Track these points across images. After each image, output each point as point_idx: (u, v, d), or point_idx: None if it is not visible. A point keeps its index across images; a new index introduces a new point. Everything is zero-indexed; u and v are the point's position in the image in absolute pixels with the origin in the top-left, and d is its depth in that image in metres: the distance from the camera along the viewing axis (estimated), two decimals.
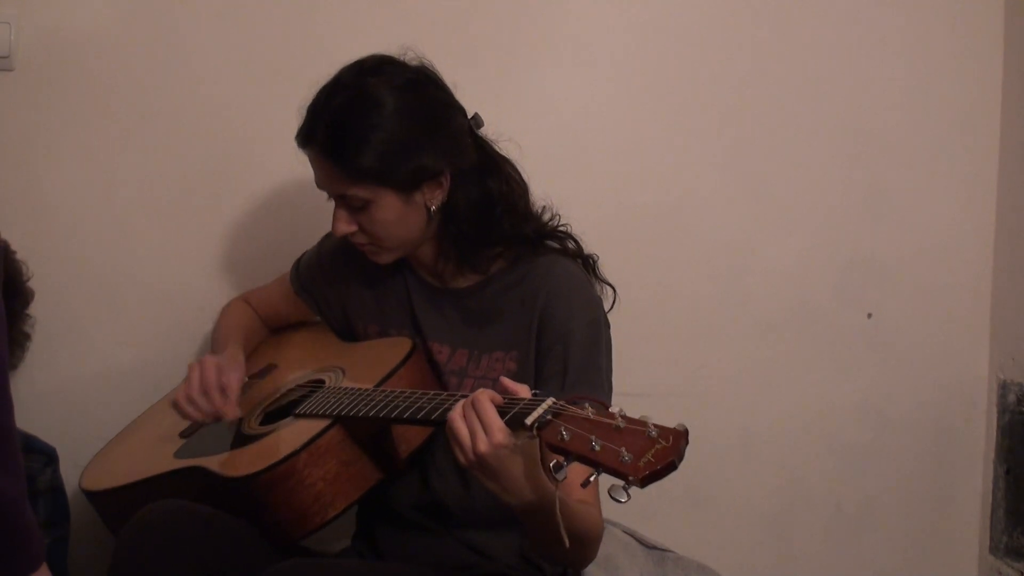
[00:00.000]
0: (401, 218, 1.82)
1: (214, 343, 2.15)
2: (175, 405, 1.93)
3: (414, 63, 1.84)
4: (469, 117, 1.87)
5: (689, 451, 1.38)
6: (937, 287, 2.53)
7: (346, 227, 1.85)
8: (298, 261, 2.12)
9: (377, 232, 1.84)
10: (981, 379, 2.56)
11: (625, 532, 2.13)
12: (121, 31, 2.26)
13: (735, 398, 2.49)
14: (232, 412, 1.89)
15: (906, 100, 2.49)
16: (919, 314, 2.53)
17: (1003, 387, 2.52)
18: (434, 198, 1.82)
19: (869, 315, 2.51)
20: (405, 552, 1.88)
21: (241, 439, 1.85)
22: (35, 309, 2.21)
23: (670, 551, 2.17)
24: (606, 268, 1.95)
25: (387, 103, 1.78)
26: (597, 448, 1.37)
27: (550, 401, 1.48)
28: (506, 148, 1.91)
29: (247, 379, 2.01)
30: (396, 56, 1.84)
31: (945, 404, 2.56)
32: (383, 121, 1.77)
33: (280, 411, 1.90)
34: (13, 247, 2.15)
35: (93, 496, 1.95)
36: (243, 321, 2.15)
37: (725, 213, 2.45)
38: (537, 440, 1.46)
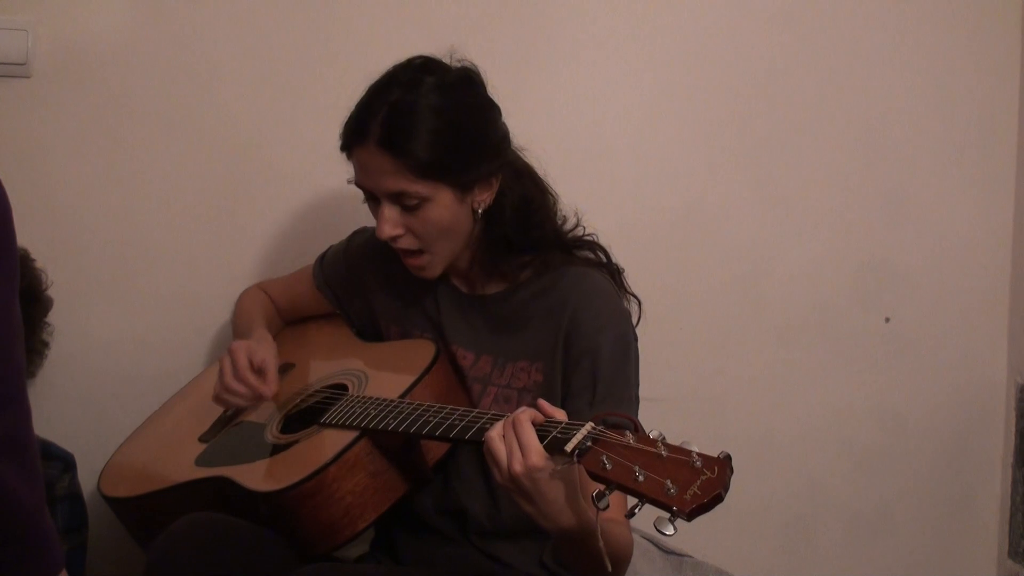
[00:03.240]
0: (453, 220, 1.77)
1: (237, 329, 2.13)
2: (216, 400, 1.91)
3: (459, 63, 1.82)
4: None
5: None
6: (954, 291, 2.52)
7: (393, 229, 1.76)
8: (323, 255, 2.09)
9: (428, 234, 1.77)
10: (999, 383, 2.55)
11: (643, 537, 2.13)
12: (138, 38, 2.26)
13: (753, 402, 2.49)
14: (271, 390, 1.88)
15: (923, 104, 2.48)
16: (936, 318, 2.52)
17: (1021, 391, 2.51)
18: (483, 200, 1.79)
19: (887, 319, 2.51)
20: (424, 558, 1.87)
21: (265, 448, 1.83)
22: (52, 316, 2.22)
23: (688, 556, 2.17)
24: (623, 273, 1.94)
25: (447, 98, 1.75)
26: (641, 479, 1.34)
27: (589, 426, 1.45)
28: (527, 157, 1.90)
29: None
30: (441, 57, 1.82)
31: (963, 408, 2.55)
32: (445, 115, 1.73)
33: (301, 416, 1.87)
34: (32, 255, 2.15)
35: (113, 502, 1.95)
36: (263, 307, 2.13)
37: (742, 217, 2.45)
38: (576, 466, 1.44)
